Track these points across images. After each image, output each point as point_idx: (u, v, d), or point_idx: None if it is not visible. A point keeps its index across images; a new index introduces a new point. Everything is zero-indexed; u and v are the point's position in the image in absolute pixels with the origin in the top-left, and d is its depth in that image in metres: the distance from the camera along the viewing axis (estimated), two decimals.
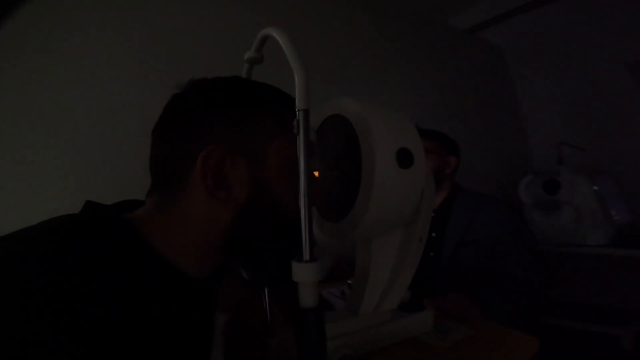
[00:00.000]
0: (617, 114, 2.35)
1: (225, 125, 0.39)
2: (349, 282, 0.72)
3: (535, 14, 2.20)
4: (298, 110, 0.38)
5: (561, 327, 2.13)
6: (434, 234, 1.17)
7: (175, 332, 0.39)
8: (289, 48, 0.40)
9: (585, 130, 2.43)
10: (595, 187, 2.05)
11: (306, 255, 0.38)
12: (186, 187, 0.39)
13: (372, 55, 1.86)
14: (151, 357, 0.34)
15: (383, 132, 0.51)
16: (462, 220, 1.15)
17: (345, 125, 0.54)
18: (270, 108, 0.43)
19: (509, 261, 1.08)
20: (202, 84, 0.43)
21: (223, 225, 0.40)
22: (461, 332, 0.69)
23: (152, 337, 0.34)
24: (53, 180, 0.97)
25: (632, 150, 2.30)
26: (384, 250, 0.64)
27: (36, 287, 0.28)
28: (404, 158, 0.52)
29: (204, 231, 0.40)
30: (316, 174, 0.63)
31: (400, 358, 0.62)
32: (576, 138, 2.32)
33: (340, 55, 1.70)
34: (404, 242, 0.65)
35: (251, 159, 0.40)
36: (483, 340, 0.68)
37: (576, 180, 2.07)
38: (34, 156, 0.96)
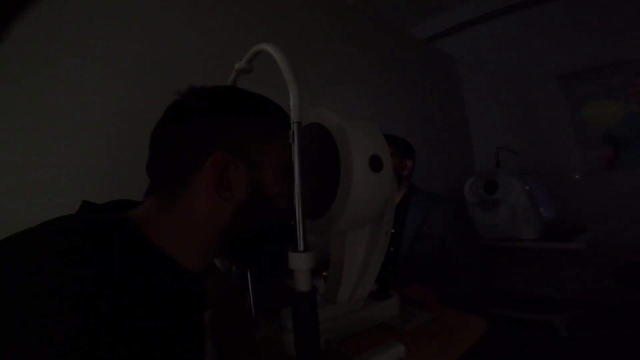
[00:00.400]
0: (546, 121, 2.59)
1: (226, 132, 0.43)
2: (325, 274, 0.78)
3: (485, 27, 2.42)
4: (293, 123, 0.43)
5: (498, 316, 2.25)
6: (393, 230, 1.26)
7: (179, 325, 0.41)
8: (284, 66, 0.45)
9: (519, 135, 2.66)
10: (527, 187, 2.22)
11: (301, 246, 0.43)
12: (188, 188, 0.41)
13: (334, 59, 1.91)
14: (157, 348, 0.37)
15: (358, 141, 0.58)
16: (418, 217, 1.25)
17: (325, 134, 0.60)
18: (264, 117, 0.46)
19: (458, 253, 1.19)
20: (202, 93, 0.45)
21: (222, 222, 0.43)
22: (423, 316, 0.77)
23: (159, 331, 0.37)
24: (52, 181, 0.95)
25: (558, 153, 2.55)
26: (356, 243, 0.71)
27: (48, 285, 0.29)
28: (376, 163, 0.59)
29: (204, 228, 0.43)
30: None
31: (372, 339, 0.68)
32: (512, 143, 2.54)
33: (303, 59, 1.73)
34: (373, 235, 0.72)
35: (248, 163, 0.43)
36: (441, 323, 0.76)
37: (510, 181, 2.23)
38: (34, 157, 0.94)
